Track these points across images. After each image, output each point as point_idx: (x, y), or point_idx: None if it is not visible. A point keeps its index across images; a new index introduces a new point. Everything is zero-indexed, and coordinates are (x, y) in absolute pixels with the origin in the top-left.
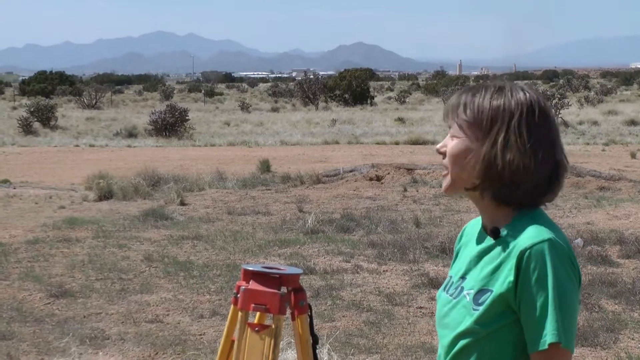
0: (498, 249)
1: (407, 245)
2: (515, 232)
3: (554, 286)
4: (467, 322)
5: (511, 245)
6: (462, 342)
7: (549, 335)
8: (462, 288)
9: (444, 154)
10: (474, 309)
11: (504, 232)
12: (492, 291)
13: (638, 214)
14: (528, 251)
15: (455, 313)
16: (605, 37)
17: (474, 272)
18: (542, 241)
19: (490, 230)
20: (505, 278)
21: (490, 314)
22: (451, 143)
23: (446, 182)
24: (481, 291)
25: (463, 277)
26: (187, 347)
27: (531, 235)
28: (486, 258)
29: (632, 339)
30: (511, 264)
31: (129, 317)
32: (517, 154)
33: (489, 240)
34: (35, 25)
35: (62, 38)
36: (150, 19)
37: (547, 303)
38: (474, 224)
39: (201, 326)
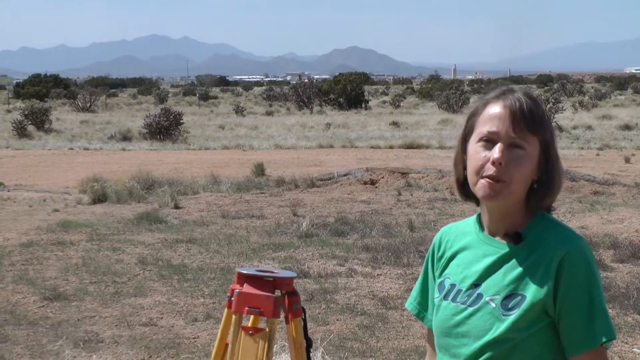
0: (522, 253)
1: (401, 249)
2: (539, 235)
3: (597, 288)
4: (499, 329)
5: (540, 248)
6: (492, 351)
7: (601, 333)
8: (481, 295)
9: (500, 163)
10: (505, 315)
11: (525, 236)
12: (523, 296)
13: (632, 219)
14: (569, 255)
15: (476, 321)
16: (600, 41)
17: (493, 279)
18: (579, 244)
19: (512, 236)
20: (542, 282)
21: (525, 318)
22: (522, 159)
23: (501, 192)
24: (509, 296)
25: (476, 285)
26: (181, 350)
27: (565, 239)
28: (508, 264)
29: (626, 343)
30: (547, 268)
31: (123, 320)
32: (558, 160)
33: (504, 246)
34: (30, 28)
35: (56, 41)
36: (145, 22)
37: (594, 304)
38: (453, 230)
39: (195, 329)
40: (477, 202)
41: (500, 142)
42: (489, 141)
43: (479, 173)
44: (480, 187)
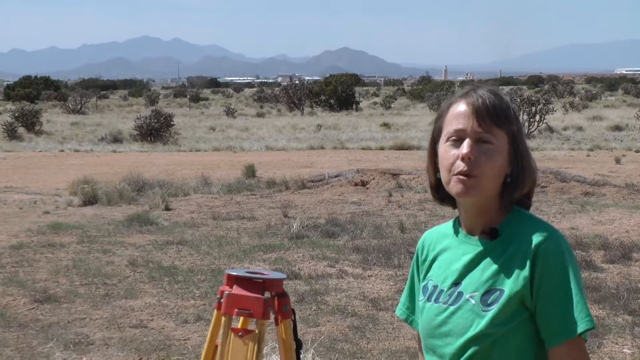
0: (498, 248)
1: (391, 250)
2: (515, 230)
3: (574, 277)
4: (479, 325)
5: (516, 242)
6: (475, 346)
7: (579, 323)
8: (461, 293)
9: (469, 158)
10: (484, 311)
11: (501, 232)
12: (502, 290)
13: (622, 219)
14: (543, 245)
15: (458, 319)
16: (590, 42)
17: (472, 276)
18: (553, 235)
19: (488, 232)
20: (518, 275)
21: (504, 313)
22: (491, 153)
23: (474, 187)
24: (488, 292)
25: (456, 284)
26: (172, 352)
27: (539, 231)
28: (485, 260)
29: (616, 343)
30: (522, 260)
31: (113, 322)
32: (527, 153)
33: (481, 243)
34: (21, 30)
35: (47, 43)
36: (136, 24)
37: (570, 294)
38: (435, 233)
39: (185, 331)
40: (452, 204)
41: (468, 138)
42: (457, 139)
43: (451, 171)
44: (453, 184)
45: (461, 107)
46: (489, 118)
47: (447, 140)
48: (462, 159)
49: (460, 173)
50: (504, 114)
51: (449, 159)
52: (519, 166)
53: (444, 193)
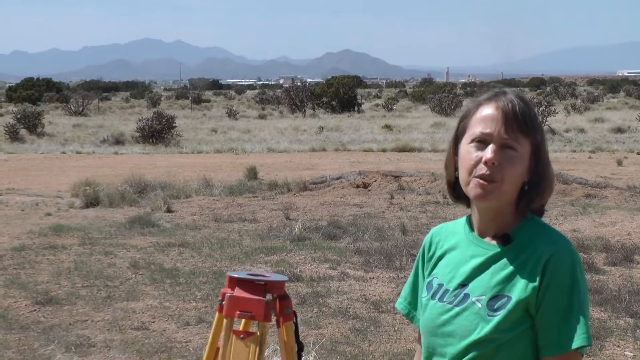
0: (510, 254)
1: (393, 253)
2: (528, 238)
3: (578, 293)
4: (484, 329)
5: (528, 250)
6: (477, 351)
7: (575, 339)
8: (467, 295)
9: (492, 163)
10: (490, 315)
11: (513, 238)
12: (509, 297)
13: (624, 222)
14: (554, 258)
15: (462, 321)
16: (592, 45)
17: (481, 279)
18: (566, 247)
19: (501, 237)
20: (527, 283)
21: (510, 319)
22: (514, 159)
23: (493, 193)
24: (495, 297)
25: (463, 285)
26: (173, 354)
27: (552, 241)
28: (495, 265)
29: (618, 346)
30: (533, 268)
31: (115, 325)
32: (548, 162)
33: (493, 247)
34: (22, 32)
35: (49, 45)
36: (137, 25)
37: (572, 309)
38: (443, 230)
39: (187, 333)
40: (467, 204)
41: (493, 143)
42: (482, 142)
43: (472, 173)
44: (472, 187)
45: (490, 110)
46: (516, 125)
47: (471, 141)
48: (486, 163)
49: (481, 176)
50: (531, 122)
51: (471, 161)
52: (539, 175)
53: (461, 191)
